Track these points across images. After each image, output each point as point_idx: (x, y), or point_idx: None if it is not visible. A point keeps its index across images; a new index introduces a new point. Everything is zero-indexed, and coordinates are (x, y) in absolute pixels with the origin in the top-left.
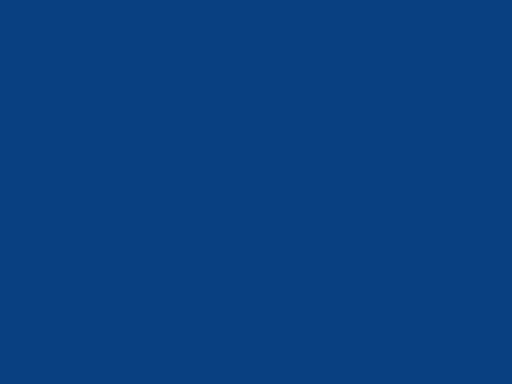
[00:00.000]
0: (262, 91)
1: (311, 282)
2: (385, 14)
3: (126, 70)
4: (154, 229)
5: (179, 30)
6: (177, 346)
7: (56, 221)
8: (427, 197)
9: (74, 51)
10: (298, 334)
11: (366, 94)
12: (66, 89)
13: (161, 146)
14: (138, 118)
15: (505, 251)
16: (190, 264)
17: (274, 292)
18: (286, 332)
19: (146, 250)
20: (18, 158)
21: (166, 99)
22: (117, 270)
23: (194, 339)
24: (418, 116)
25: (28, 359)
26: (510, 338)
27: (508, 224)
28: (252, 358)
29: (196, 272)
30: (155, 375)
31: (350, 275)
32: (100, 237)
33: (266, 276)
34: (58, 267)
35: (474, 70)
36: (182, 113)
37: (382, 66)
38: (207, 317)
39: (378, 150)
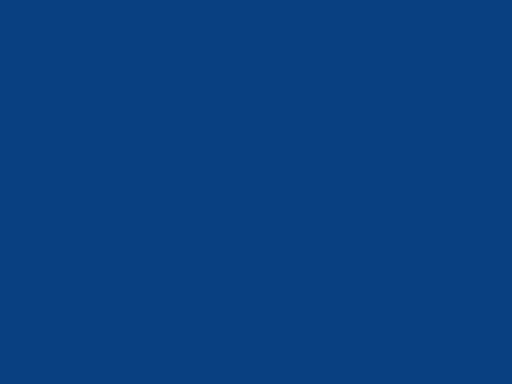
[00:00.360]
0: (262, 91)
1: (311, 282)
2: (385, 14)
3: (126, 70)
4: (154, 229)
5: (179, 30)
6: (177, 346)
7: (56, 221)
8: (427, 197)
9: (74, 51)
10: (298, 334)
11: (366, 94)
12: (66, 89)
13: (161, 146)
14: (138, 118)
15: (505, 251)
16: (190, 264)
17: (274, 292)
18: (286, 332)
19: (146, 250)
20: (18, 158)
21: (166, 99)
22: (117, 270)
23: (194, 339)
24: (418, 116)
25: (28, 359)
26: (510, 338)
27: (508, 224)
28: (252, 358)
29: (196, 272)
30: (155, 375)
31: (350, 275)
32: (100, 237)
33: (266, 276)
34: (58, 267)
35: (474, 69)
36: (182, 113)
37: (382, 66)
38: (207, 317)
39: (378, 150)
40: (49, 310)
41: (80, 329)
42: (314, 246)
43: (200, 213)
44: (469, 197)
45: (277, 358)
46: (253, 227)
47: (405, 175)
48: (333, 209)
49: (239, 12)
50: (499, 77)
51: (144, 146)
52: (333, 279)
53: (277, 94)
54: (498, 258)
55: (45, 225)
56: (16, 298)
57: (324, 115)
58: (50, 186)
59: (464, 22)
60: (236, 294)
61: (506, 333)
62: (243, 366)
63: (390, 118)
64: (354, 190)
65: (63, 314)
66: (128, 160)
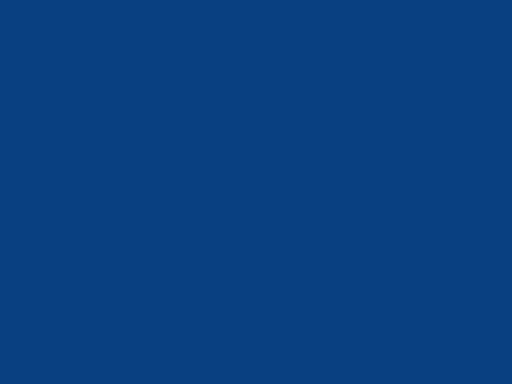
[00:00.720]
0: (262, 91)
1: (311, 282)
2: (385, 14)
3: (126, 70)
4: (154, 229)
5: (179, 30)
6: (177, 346)
7: (56, 221)
8: (427, 197)
9: (74, 51)
10: (298, 334)
11: (366, 94)
12: (66, 89)
13: (161, 146)
14: (138, 118)
15: (505, 251)
16: (190, 264)
17: (274, 292)
18: (286, 332)
19: (146, 250)
20: (18, 158)
21: (166, 99)
22: (117, 270)
23: (194, 339)
24: (418, 116)
25: (28, 359)
26: (510, 338)
27: (508, 224)
28: (252, 358)
29: (196, 272)
30: (155, 375)
31: (350, 275)
32: (100, 237)
33: (266, 276)
34: (58, 267)
35: (474, 69)
36: (182, 113)
37: (382, 66)
38: (207, 317)
39: (378, 150)
40: (49, 309)
41: (80, 329)
42: (314, 246)
43: (200, 213)
44: (469, 197)
45: (277, 358)
46: (253, 227)
47: (405, 175)
48: (333, 209)
49: (239, 12)
50: (499, 77)
51: (144, 145)
52: (333, 279)
53: (277, 94)
54: (498, 258)
55: (45, 225)
56: (16, 297)
57: (324, 115)
58: (50, 185)
59: (464, 22)
60: (236, 294)
61: (506, 333)
62: (243, 366)
63: (390, 118)
64: (354, 190)
65: (63, 314)
66: (128, 160)
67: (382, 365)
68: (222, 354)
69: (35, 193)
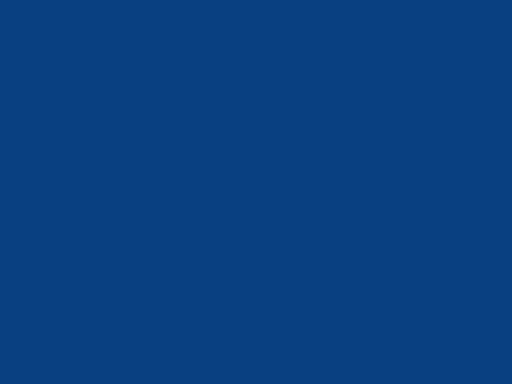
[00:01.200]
0: (262, 91)
1: (311, 282)
2: (385, 14)
3: (126, 70)
4: (154, 229)
5: (179, 30)
6: (177, 346)
7: (56, 221)
8: (427, 197)
9: (74, 51)
10: (298, 334)
11: (366, 94)
12: (66, 89)
13: (161, 146)
14: (138, 118)
15: (505, 251)
16: (190, 264)
17: (274, 292)
18: (286, 332)
19: (146, 250)
20: (18, 158)
21: (166, 99)
22: (117, 270)
23: (194, 339)
24: (418, 116)
25: (28, 359)
26: (510, 338)
27: (508, 224)
28: (252, 358)
29: (196, 272)
30: (155, 375)
31: (350, 275)
32: (100, 237)
33: (266, 276)
34: (58, 267)
35: (474, 70)
36: (182, 113)
37: (382, 66)
38: (207, 317)
39: (378, 150)
40: (49, 309)
41: (80, 329)
42: (314, 246)
43: (200, 213)
44: (469, 197)
45: (277, 358)
46: (253, 227)
47: (405, 175)
48: (333, 209)
49: (239, 12)
50: (499, 77)
51: (144, 146)
52: (333, 279)
53: (277, 94)
54: (498, 258)
55: (45, 225)
56: (16, 298)
57: (324, 115)
58: (50, 185)
59: (464, 22)
60: (236, 294)
61: (506, 333)
62: (243, 366)
63: (390, 118)
64: (354, 191)
65: (63, 314)
66: (128, 160)
67: (382, 365)
68: (222, 354)
69: (35, 193)
